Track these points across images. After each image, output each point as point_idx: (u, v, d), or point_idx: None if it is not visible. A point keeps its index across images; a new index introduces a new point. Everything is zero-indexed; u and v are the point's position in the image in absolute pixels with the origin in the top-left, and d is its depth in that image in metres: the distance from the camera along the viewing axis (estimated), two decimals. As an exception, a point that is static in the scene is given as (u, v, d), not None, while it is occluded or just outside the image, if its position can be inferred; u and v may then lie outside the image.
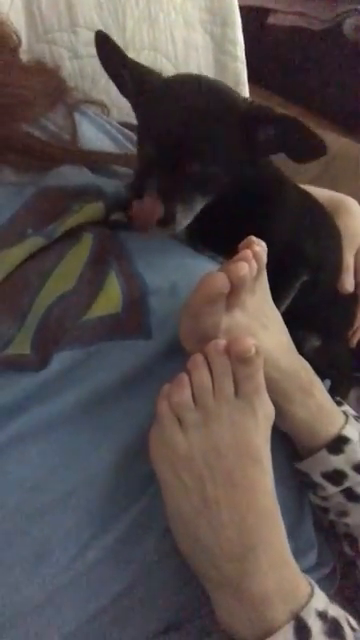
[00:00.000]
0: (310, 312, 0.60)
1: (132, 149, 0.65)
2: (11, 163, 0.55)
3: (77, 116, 0.63)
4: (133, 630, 0.40)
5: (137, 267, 0.48)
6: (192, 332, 0.43)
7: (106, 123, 0.67)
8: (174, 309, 0.44)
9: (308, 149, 0.47)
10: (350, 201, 0.69)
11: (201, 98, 0.48)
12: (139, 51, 0.78)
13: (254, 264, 0.42)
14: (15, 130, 0.56)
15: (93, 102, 0.69)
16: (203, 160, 0.46)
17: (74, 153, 0.59)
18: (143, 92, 0.50)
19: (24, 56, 0.63)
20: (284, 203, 0.56)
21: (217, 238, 0.52)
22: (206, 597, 0.39)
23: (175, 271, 0.49)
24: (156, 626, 0.41)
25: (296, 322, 0.50)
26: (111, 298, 0.46)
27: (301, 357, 0.48)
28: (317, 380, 0.48)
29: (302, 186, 0.62)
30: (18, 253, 0.48)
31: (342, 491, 0.46)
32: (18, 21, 0.67)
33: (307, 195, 0.61)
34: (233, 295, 0.41)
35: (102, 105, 0.70)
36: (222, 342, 0.40)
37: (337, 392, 0.53)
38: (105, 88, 0.72)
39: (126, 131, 0.68)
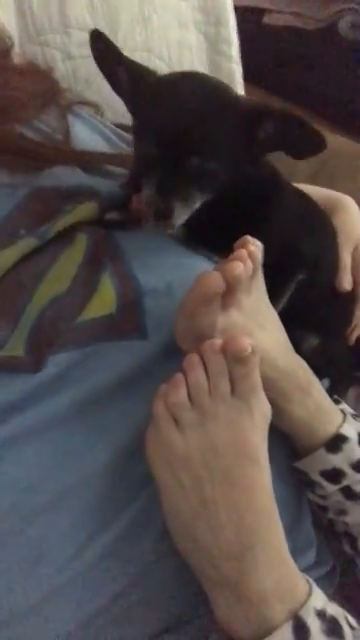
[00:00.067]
0: (308, 311, 0.60)
1: (126, 149, 0.65)
2: (4, 164, 0.55)
3: (70, 117, 0.63)
4: (132, 630, 0.40)
5: (132, 267, 0.48)
6: (188, 332, 0.42)
7: (99, 124, 0.67)
8: (170, 309, 0.44)
9: (308, 144, 0.48)
10: (346, 199, 0.69)
11: (200, 94, 0.48)
12: (132, 52, 0.77)
13: (249, 263, 0.42)
14: (8, 131, 0.56)
15: (86, 103, 0.69)
16: (203, 155, 0.46)
17: (67, 154, 0.59)
18: (139, 90, 0.50)
19: (16, 58, 0.63)
20: (280, 202, 0.56)
21: (213, 237, 0.52)
22: (205, 597, 0.39)
23: (170, 271, 0.49)
24: (155, 626, 0.41)
25: (294, 321, 0.50)
26: (105, 299, 0.46)
27: (298, 356, 0.48)
28: (315, 379, 0.48)
29: (298, 185, 0.62)
30: (11, 255, 0.48)
31: (341, 490, 0.46)
32: (9, 22, 0.67)
33: (303, 194, 0.61)
34: (229, 294, 0.41)
35: (95, 106, 0.70)
36: (218, 341, 0.40)
37: (335, 391, 0.53)
38: (98, 89, 0.72)
39: (120, 131, 0.68)
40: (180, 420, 0.39)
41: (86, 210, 0.52)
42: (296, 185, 0.61)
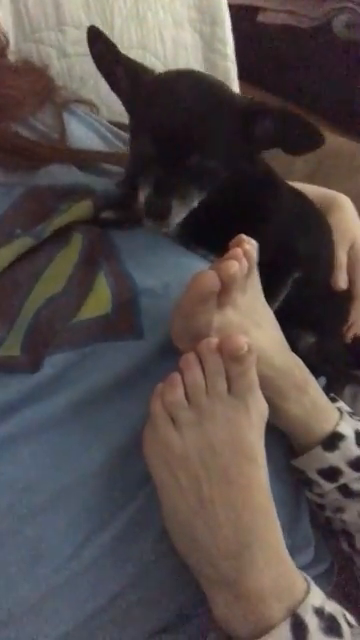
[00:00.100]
0: (304, 309, 0.60)
1: (122, 148, 0.65)
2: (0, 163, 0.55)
3: (66, 115, 0.63)
4: (132, 630, 0.40)
5: (127, 267, 0.48)
6: (184, 331, 0.42)
7: (95, 122, 0.67)
8: (166, 309, 0.44)
9: (306, 141, 0.48)
10: (342, 198, 0.69)
11: (197, 92, 0.48)
12: (127, 50, 0.77)
13: (244, 262, 0.42)
14: (3, 130, 0.56)
15: (82, 101, 0.68)
16: (202, 153, 0.46)
17: (63, 152, 0.59)
18: (137, 88, 0.50)
19: (12, 56, 0.63)
20: (276, 201, 0.56)
21: (209, 236, 0.52)
22: (203, 596, 0.39)
23: (166, 270, 0.49)
24: (154, 626, 0.41)
25: (290, 319, 0.50)
26: (100, 299, 0.46)
27: (294, 354, 0.48)
28: (311, 377, 0.48)
29: (294, 184, 0.62)
30: (6, 254, 0.47)
31: (338, 488, 0.46)
32: (5, 20, 0.67)
33: (298, 192, 0.61)
34: (224, 293, 0.41)
35: (91, 104, 0.70)
36: (214, 340, 0.40)
37: (332, 389, 0.53)
38: (94, 87, 0.72)
39: (115, 129, 0.67)
40: (177, 419, 0.39)
41: (82, 209, 0.52)
42: (292, 184, 0.61)
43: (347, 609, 0.39)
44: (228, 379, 0.40)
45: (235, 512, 0.37)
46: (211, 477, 0.38)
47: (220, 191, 0.49)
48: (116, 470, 0.41)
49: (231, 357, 0.39)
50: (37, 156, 0.56)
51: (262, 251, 0.44)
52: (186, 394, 0.40)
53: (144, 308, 0.46)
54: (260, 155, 0.53)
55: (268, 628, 0.35)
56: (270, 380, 0.44)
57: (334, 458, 0.45)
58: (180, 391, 0.40)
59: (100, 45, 0.51)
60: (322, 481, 0.46)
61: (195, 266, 0.48)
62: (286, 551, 0.39)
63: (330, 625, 0.36)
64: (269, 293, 0.48)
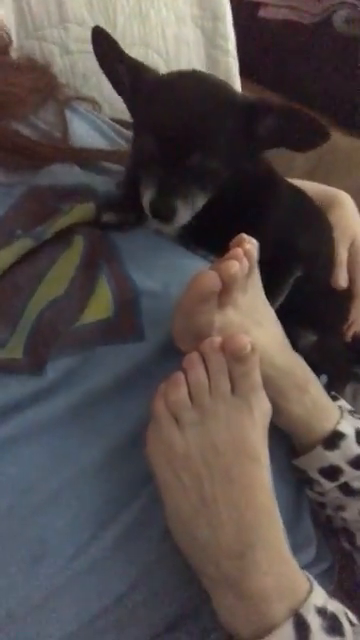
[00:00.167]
0: (305, 308, 0.60)
1: (124, 146, 0.64)
2: (0, 162, 0.54)
3: (68, 113, 0.63)
4: (135, 630, 0.40)
5: (128, 269, 0.48)
6: (185, 331, 0.43)
7: (98, 120, 0.66)
8: (166, 310, 0.44)
9: (311, 136, 0.47)
10: (343, 195, 0.68)
11: (201, 92, 0.48)
12: (130, 47, 0.77)
13: (245, 262, 0.42)
14: (4, 128, 0.56)
15: (84, 99, 0.68)
16: (204, 153, 0.46)
17: (65, 151, 0.58)
18: (139, 88, 0.50)
19: (14, 53, 0.62)
20: (276, 199, 0.56)
21: (209, 236, 0.52)
22: (206, 595, 0.39)
23: (167, 271, 0.49)
24: (158, 626, 0.41)
25: (291, 318, 0.50)
26: (102, 302, 0.46)
27: (296, 353, 0.48)
28: (312, 376, 0.48)
29: (294, 181, 0.62)
30: (7, 256, 0.47)
31: (339, 486, 0.46)
32: (7, 17, 0.67)
33: (298, 190, 0.61)
34: (225, 293, 0.41)
35: (93, 102, 0.69)
36: (218, 340, 0.40)
37: (333, 387, 0.53)
38: (96, 84, 0.72)
39: (118, 127, 0.67)
40: (180, 419, 0.39)
41: (84, 211, 0.52)
42: (292, 181, 0.61)
43: (348, 607, 0.39)
44: (231, 379, 0.40)
45: (238, 511, 0.37)
46: (214, 476, 0.38)
47: (221, 190, 0.49)
48: (117, 470, 0.41)
49: (234, 357, 0.39)
50: (38, 155, 0.56)
51: (262, 250, 0.44)
52: (189, 394, 0.40)
53: (145, 309, 0.46)
54: (263, 153, 0.53)
55: (271, 628, 0.35)
56: (271, 379, 0.44)
57: (335, 457, 0.45)
58: (183, 390, 0.40)
59: (104, 44, 0.51)
60: (323, 480, 0.46)
61: (195, 267, 0.48)
62: (289, 551, 0.39)
63: (332, 625, 0.36)
64: (270, 292, 0.48)
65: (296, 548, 0.41)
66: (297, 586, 0.38)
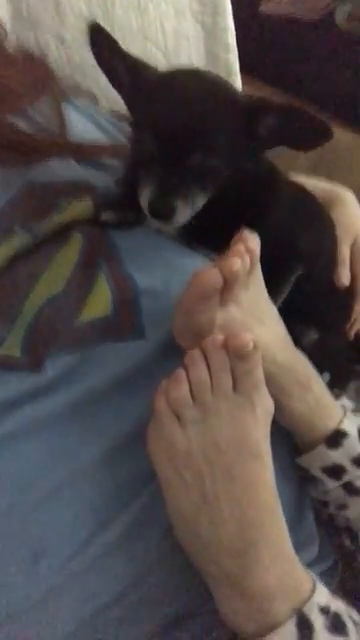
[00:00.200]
0: (307, 306, 0.59)
1: (123, 140, 0.63)
2: None
3: (65, 106, 0.62)
4: (136, 629, 0.40)
5: (127, 267, 0.48)
6: (186, 329, 0.42)
7: (95, 113, 0.66)
8: (166, 308, 0.44)
9: (312, 136, 0.47)
10: (345, 192, 0.68)
11: (201, 91, 0.47)
12: (128, 41, 0.76)
13: (247, 259, 0.41)
14: (0, 123, 0.55)
15: (82, 92, 0.67)
16: (204, 153, 0.45)
17: (62, 145, 0.58)
18: (139, 86, 0.49)
19: (9, 45, 0.61)
20: (278, 197, 0.55)
21: (211, 235, 0.51)
22: (208, 594, 0.39)
23: (166, 270, 0.49)
24: (159, 624, 0.41)
25: (293, 316, 0.49)
26: (101, 301, 0.46)
27: (298, 351, 0.48)
28: (315, 374, 0.48)
29: (296, 178, 0.61)
30: (5, 252, 0.47)
31: (342, 485, 0.45)
32: (2, 8, 0.66)
33: (300, 188, 0.61)
34: (227, 290, 0.41)
35: (91, 95, 0.69)
36: (220, 337, 0.40)
37: (335, 385, 0.53)
38: (94, 77, 0.71)
39: (116, 121, 0.66)
40: (182, 416, 0.39)
41: (81, 208, 0.51)
42: (294, 178, 0.61)
43: (351, 605, 0.39)
44: (234, 377, 0.39)
45: (240, 509, 0.37)
46: (215, 474, 0.38)
47: (222, 189, 0.48)
48: (117, 469, 0.41)
49: (237, 355, 0.39)
50: (35, 150, 0.55)
51: (264, 248, 0.44)
52: (191, 391, 0.39)
53: (145, 308, 0.45)
54: (265, 152, 0.52)
55: (273, 626, 0.35)
56: (273, 377, 0.43)
57: (337, 456, 0.45)
58: (185, 388, 0.39)
59: (101, 41, 0.50)
60: (326, 479, 0.46)
61: (196, 265, 0.48)
62: (292, 549, 0.39)
63: (335, 624, 0.36)
64: (272, 290, 0.48)
65: (298, 546, 0.41)
66: (300, 584, 0.37)
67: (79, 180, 0.55)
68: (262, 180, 0.53)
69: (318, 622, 0.36)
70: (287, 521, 0.40)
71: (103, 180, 0.55)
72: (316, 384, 0.47)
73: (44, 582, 0.37)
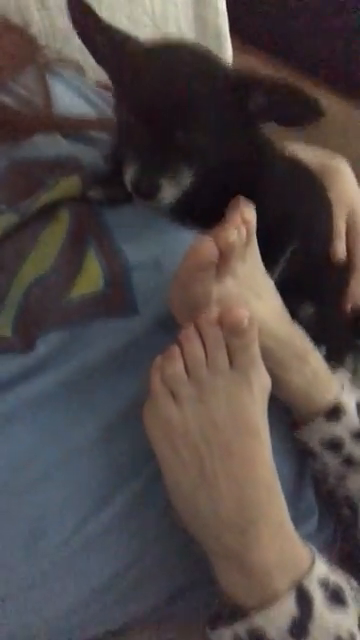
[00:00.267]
0: (303, 279, 0.59)
1: (111, 113, 0.61)
2: None
3: (50, 78, 0.60)
4: (135, 605, 0.41)
5: (118, 243, 0.47)
6: (183, 303, 0.41)
7: (82, 85, 0.64)
8: (158, 283, 0.43)
9: (303, 113, 0.45)
10: (340, 161, 0.67)
11: (187, 65, 0.45)
12: (115, 6, 0.73)
13: (243, 230, 0.40)
14: None
15: (67, 62, 0.65)
16: (190, 129, 0.44)
17: (48, 120, 0.56)
18: (122, 59, 0.47)
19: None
20: (272, 170, 0.54)
21: (205, 212, 0.50)
22: (208, 568, 0.39)
23: (158, 245, 0.48)
24: (159, 599, 0.42)
25: (289, 290, 0.49)
26: (91, 277, 0.45)
27: (295, 324, 0.47)
28: (312, 347, 0.48)
29: (291, 145, 0.60)
30: None
31: (341, 458, 0.46)
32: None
33: (294, 160, 0.59)
34: (223, 263, 0.40)
35: (77, 65, 0.66)
36: (214, 313, 0.39)
37: (333, 358, 0.53)
38: (80, 46, 0.67)
39: (104, 93, 0.64)
40: (177, 394, 0.39)
41: (69, 185, 0.50)
42: (289, 147, 0.59)
43: (348, 573, 0.40)
44: (229, 353, 0.39)
45: (238, 486, 0.37)
46: (213, 452, 0.37)
47: (213, 165, 0.47)
48: (115, 446, 0.41)
49: (232, 330, 0.39)
50: (20, 127, 0.53)
51: (259, 221, 0.43)
52: (186, 368, 0.39)
53: (136, 283, 0.45)
54: (256, 127, 0.50)
55: (273, 600, 0.36)
56: (271, 351, 0.43)
57: (336, 429, 0.45)
58: (180, 365, 0.39)
59: (81, 12, 0.47)
60: (325, 452, 0.46)
61: (188, 239, 0.46)
62: (291, 524, 0.39)
63: (335, 595, 0.37)
64: (268, 263, 0.47)
65: (298, 520, 0.42)
66: (299, 559, 0.38)
67: (66, 156, 0.53)
68: (255, 153, 0.52)
69: (317, 594, 0.36)
70: (287, 495, 0.40)
71: (91, 155, 0.54)
72: (314, 357, 0.47)
73: (42, 562, 0.38)
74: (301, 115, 0.45)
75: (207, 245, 0.38)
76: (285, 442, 0.47)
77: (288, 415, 0.47)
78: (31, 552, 0.38)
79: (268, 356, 0.42)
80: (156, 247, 0.47)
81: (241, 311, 0.39)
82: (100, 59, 0.49)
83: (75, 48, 0.68)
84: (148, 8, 0.76)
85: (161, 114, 0.43)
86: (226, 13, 0.85)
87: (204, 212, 0.48)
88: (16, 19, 0.62)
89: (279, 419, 0.46)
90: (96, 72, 0.68)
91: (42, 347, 0.41)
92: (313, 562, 0.38)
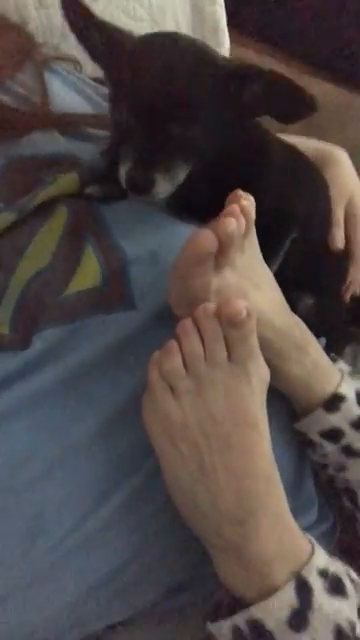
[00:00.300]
0: (302, 270, 0.59)
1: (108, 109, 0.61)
2: None
3: (47, 75, 0.60)
4: (135, 600, 0.41)
5: (115, 238, 0.47)
6: (182, 295, 0.41)
7: (79, 81, 0.63)
8: (156, 277, 0.43)
9: (297, 106, 0.45)
10: (339, 152, 0.66)
11: (180, 57, 0.45)
12: (111, 0, 0.73)
13: (242, 220, 0.40)
14: None
15: (64, 58, 0.65)
16: (184, 122, 0.44)
17: (45, 117, 0.56)
18: (115, 54, 0.47)
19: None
20: (269, 161, 0.54)
21: (202, 206, 0.50)
22: (208, 560, 0.39)
23: (155, 239, 0.47)
24: (158, 593, 0.42)
25: (288, 282, 0.49)
26: (89, 272, 0.45)
27: (294, 315, 0.47)
28: (312, 338, 0.47)
29: (289, 138, 0.60)
30: None
31: (340, 448, 0.46)
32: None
33: (292, 150, 0.59)
34: (222, 254, 0.40)
35: (74, 61, 0.66)
36: (211, 305, 0.39)
37: (332, 349, 0.53)
38: (76, 42, 0.68)
39: (101, 89, 0.64)
40: (176, 388, 0.39)
41: (67, 182, 0.50)
42: (287, 138, 0.59)
43: (348, 564, 0.40)
44: (227, 345, 0.39)
45: (237, 478, 0.37)
46: (212, 445, 0.37)
47: (209, 158, 0.47)
48: (114, 440, 0.41)
49: (230, 323, 0.38)
50: (17, 124, 0.53)
51: (258, 212, 0.43)
52: (184, 362, 0.39)
53: (134, 277, 0.44)
54: (251, 120, 0.50)
55: (273, 590, 0.36)
56: (270, 342, 0.43)
57: (336, 419, 0.45)
58: (178, 359, 0.39)
59: (74, 9, 0.47)
60: (324, 442, 0.46)
61: (184, 233, 0.47)
62: (290, 516, 0.39)
63: (335, 585, 0.37)
64: (267, 254, 0.47)
65: (298, 511, 0.41)
66: (299, 550, 0.38)
67: (63, 153, 0.53)
68: (252, 145, 0.52)
69: (317, 585, 0.36)
70: (286, 486, 0.40)
71: (89, 152, 0.54)
72: (313, 348, 0.47)
73: (42, 561, 0.38)
74: (295, 109, 0.45)
75: (206, 236, 0.38)
76: (285, 433, 0.47)
77: (288, 406, 0.47)
78: (29, 552, 0.38)
79: (267, 347, 0.42)
80: (153, 241, 0.47)
81: (239, 302, 0.38)
82: (95, 56, 0.49)
83: (73, 44, 0.67)
84: (145, 2, 0.76)
85: (155, 108, 0.43)
86: (223, 4, 0.84)
87: (201, 206, 0.48)
88: (14, 17, 0.62)
89: (279, 410, 0.46)
90: (94, 68, 0.68)
91: (38, 344, 0.41)
92: (312, 552, 0.38)
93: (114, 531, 0.40)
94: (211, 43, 0.84)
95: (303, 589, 0.36)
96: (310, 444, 0.47)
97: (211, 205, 0.42)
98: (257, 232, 0.45)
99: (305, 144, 0.63)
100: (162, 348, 0.40)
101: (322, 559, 0.38)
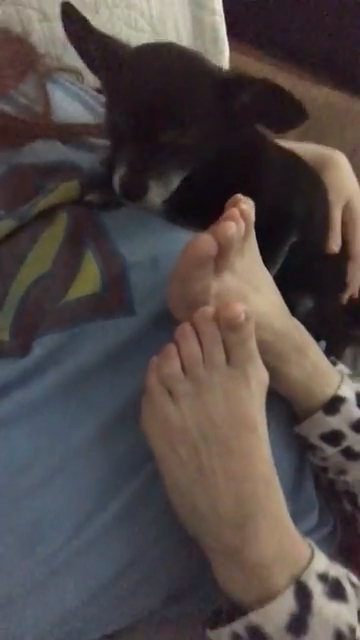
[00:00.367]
0: (302, 273, 0.59)
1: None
2: None
3: (49, 85, 0.61)
4: (136, 606, 0.41)
5: (115, 244, 0.47)
6: (181, 299, 0.41)
7: (81, 91, 0.65)
8: (156, 282, 0.43)
9: (289, 115, 0.45)
10: (338, 155, 0.66)
11: (172, 65, 0.46)
12: (112, 9, 0.74)
13: (242, 223, 0.40)
14: None
15: (66, 69, 0.66)
16: (177, 129, 0.44)
17: (47, 127, 0.57)
18: (111, 64, 0.48)
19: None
20: (267, 165, 0.54)
21: (200, 211, 0.51)
22: (208, 566, 0.39)
23: (155, 244, 0.48)
24: (159, 599, 0.42)
25: (288, 285, 0.49)
26: (89, 278, 0.45)
27: (294, 318, 0.47)
28: (312, 340, 0.47)
29: (287, 143, 0.60)
30: None
31: (341, 451, 0.45)
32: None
33: (290, 154, 0.59)
34: (221, 257, 0.40)
35: (76, 72, 0.67)
36: (210, 309, 0.39)
37: (332, 351, 0.53)
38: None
39: (103, 99, 0.65)
40: (174, 392, 0.39)
41: (68, 189, 0.51)
42: (285, 143, 0.59)
43: (349, 568, 0.39)
44: (226, 349, 0.39)
45: (236, 482, 0.37)
46: (211, 449, 0.37)
47: (205, 164, 0.47)
48: (114, 445, 0.41)
49: (228, 326, 0.39)
50: (20, 134, 0.54)
51: (257, 216, 0.43)
52: (183, 366, 0.39)
53: (134, 283, 0.45)
54: (245, 128, 0.50)
55: (272, 595, 0.35)
56: (270, 344, 0.43)
57: (336, 422, 0.45)
58: (176, 363, 0.39)
59: (73, 21, 0.48)
60: (325, 445, 0.45)
61: (183, 238, 0.47)
62: (289, 520, 0.39)
63: (334, 589, 0.36)
64: (267, 258, 0.47)
65: (298, 515, 0.41)
66: (298, 554, 0.37)
67: (65, 161, 0.54)
68: (249, 149, 0.52)
69: (317, 589, 0.36)
70: (286, 490, 0.39)
71: (89, 161, 0.54)
72: (313, 350, 0.47)
73: (41, 568, 0.38)
74: (285, 116, 0.46)
75: (205, 239, 0.38)
76: (285, 436, 0.47)
77: (288, 410, 0.47)
78: (29, 559, 0.38)
79: (267, 350, 0.42)
80: (153, 247, 0.47)
81: (237, 306, 0.38)
82: (93, 67, 0.51)
83: (75, 56, 0.69)
84: (146, 12, 0.77)
85: (146, 115, 0.44)
86: (222, 12, 0.85)
87: (198, 211, 0.49)
88: (17, 30, 0.63)
89: (279, 413, 0.46)
90: (95, 79, 0.69)
91: (38, 350, 0.41)
92: (312, 556, 0.37)
93: (114, 537, 0.39)
94: (211, 52, 0.85)
95: (302, 593, 0.35)
96: (310, 447, 0.47)
97: (207, 211, 0.42)
98: (257, 236, 0.45)
99: (304, 148, 0.63)
100: (161, 353, 0.40)
101: (322, 563, 0.38)
